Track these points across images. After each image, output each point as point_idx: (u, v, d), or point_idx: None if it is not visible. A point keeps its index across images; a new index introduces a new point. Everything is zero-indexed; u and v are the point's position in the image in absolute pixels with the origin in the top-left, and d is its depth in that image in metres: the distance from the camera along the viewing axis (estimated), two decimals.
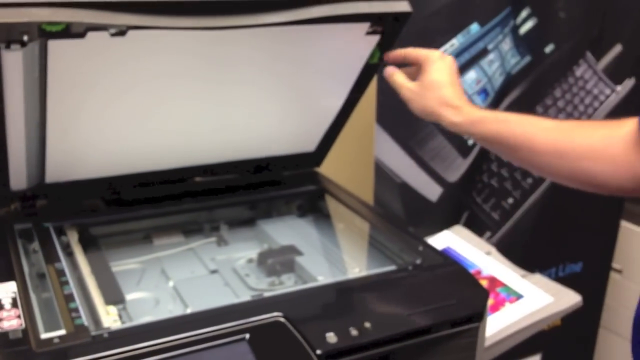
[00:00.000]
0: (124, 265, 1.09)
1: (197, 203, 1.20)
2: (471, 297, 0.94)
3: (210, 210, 1.22)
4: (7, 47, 0.79)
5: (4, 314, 0.81)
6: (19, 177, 1.03)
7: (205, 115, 1.10)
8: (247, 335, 0.80)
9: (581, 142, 0.86)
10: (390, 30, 1.04)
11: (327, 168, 1.33)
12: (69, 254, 1.03)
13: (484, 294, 0.95)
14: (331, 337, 0.81)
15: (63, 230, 1.07)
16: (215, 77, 1.03)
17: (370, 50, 1.07)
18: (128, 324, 0.87)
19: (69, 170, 1.06)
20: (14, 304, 0.83)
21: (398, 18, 1.01)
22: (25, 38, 0.79)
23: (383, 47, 1.07)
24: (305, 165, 1.31)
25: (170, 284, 1.05)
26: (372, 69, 1.11)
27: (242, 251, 1.16)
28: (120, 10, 0.82)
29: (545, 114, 1.64)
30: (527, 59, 1.59)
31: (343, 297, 0.93)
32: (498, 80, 1.55)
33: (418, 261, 1.00)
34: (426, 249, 1.04)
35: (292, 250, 1.12)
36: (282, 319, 0.83)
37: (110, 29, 0.83)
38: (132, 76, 0.95)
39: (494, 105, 1.57)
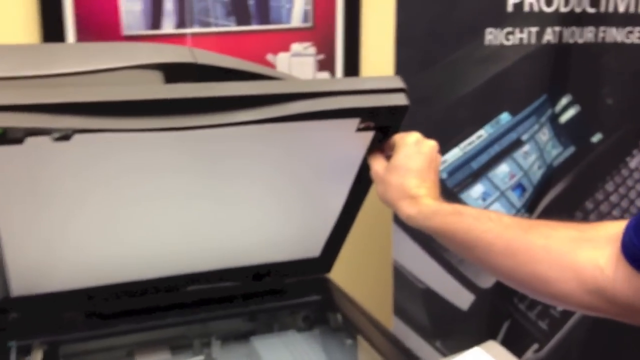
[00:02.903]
0: None
1: (187, 315, 1.08)
2: None
3: (202, 324, 1.10)
4: None
5: None
6: None
7: (195, 219, 0.99)
8: None
9: (536, 241, 0.72)
10: (386, 126, 0.92)
11: (341, 274, 1.20)
12: None
13: None
14: None
15: (29, 349, 0.97)
16: (202, 179, 0.94)
17: (367, 146, 0.95)
18: None
19: (38, 282, 0.97)
20: None
21: (393, 112, 0.90)
22: None
23: (382, 143, 0.95)
24: (311, 272, 1.18)
25: None
26: None
27: None
28: (63, 112, 0.74)
29: (596, 209, 1.46)
30: (571, 149, 1.44)
31: None
32: (537, 173, 1.39)
33: None
34: None
35: None
36: None
37: (53, 134, 0.75)
38: (96, 180, 0.87)
39: (534, 201, 1.41)
